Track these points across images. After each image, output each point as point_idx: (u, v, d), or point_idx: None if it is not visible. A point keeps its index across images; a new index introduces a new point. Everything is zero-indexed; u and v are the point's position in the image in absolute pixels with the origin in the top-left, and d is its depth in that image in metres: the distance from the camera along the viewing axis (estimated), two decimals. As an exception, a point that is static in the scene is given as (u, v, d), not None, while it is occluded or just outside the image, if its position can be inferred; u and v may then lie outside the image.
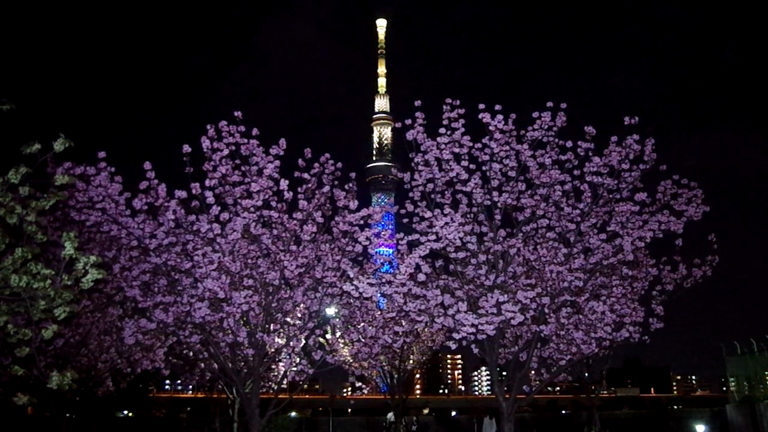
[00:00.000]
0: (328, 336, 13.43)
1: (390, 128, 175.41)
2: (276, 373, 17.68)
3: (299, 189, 9.73)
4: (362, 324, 12.61)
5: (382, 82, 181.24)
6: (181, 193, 9.00)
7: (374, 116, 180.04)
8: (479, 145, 9.77)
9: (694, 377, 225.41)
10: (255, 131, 9.43)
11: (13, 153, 5.00)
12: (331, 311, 11.25)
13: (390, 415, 34.29)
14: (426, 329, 17.42)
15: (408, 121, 9.68)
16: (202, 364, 15.59)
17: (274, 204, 9.53)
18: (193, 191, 9.10)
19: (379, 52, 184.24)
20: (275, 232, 9.59)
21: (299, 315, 10.68)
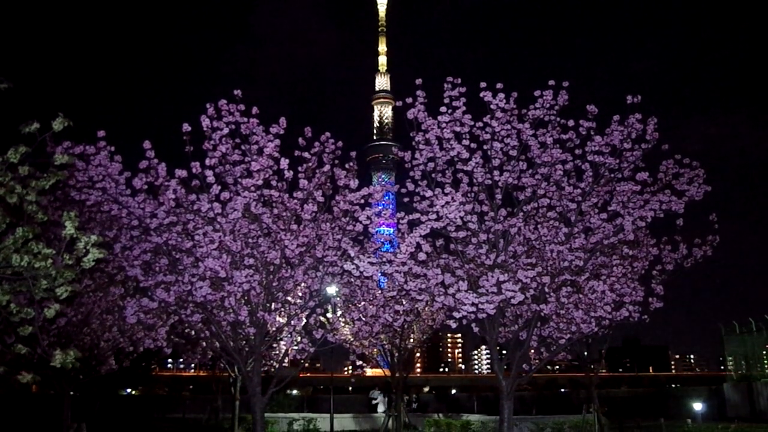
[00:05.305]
0: (329, 315, 13.49)
1: (390, 107, 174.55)
2: (277, 352, 17.81)
3: (299, 168, 9.68)
4: (363, 303, 12.68)
5: (382, 60, 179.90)
6: (182, 173, 8.96)
7: (375, 95, 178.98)
8: (480, 124, 9.70)
9: (692, 356, 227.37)
10: (255, 110, 9.37)
11: (12, 132, 4.97)
12: (331, 290, 11.28)
13: (373, 392, 34.20)
14: (426, 308, 17.50)
15: (409, 100, 9.58)
16: (204, 343, 15.72)
17: (274, 183, 9.50)
18: (194, 170, 9.05)
19: (379, 29, 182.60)
20: (276, 211, 9.58)
21: (300, 294, 10.72)
